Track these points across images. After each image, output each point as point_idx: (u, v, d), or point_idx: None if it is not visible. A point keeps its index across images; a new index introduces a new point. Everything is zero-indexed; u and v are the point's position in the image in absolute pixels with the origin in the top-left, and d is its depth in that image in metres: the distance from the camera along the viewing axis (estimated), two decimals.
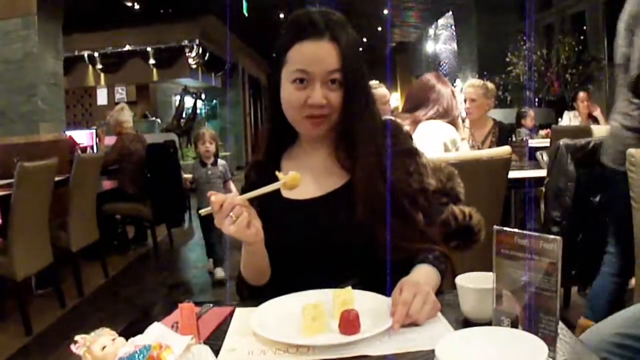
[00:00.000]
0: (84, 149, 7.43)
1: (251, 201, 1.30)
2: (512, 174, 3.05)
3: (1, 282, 4.15)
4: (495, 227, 1.05)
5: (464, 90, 4.32)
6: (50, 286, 4.52)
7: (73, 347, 0.90)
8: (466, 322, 1.17)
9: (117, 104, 10.87)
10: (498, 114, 6.95)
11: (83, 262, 4.93)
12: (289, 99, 1.43)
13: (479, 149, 4.09)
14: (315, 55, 1.40)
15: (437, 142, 2.86)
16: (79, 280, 4.66)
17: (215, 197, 1.25)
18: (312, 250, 1.43)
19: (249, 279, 1.46)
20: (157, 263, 6.18)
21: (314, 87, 1.40)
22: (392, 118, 1.67)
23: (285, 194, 1.46)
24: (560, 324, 1.01)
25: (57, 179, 4.34)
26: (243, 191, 1.53)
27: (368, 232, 1.39)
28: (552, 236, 0.97)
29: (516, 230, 1.02)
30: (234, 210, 1.24)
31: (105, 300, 4.70)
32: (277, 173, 1.31)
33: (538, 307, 1.00)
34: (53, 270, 4.33)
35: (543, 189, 3.02)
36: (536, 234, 0.99)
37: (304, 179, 1.38)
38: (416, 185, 1.47)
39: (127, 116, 6.18)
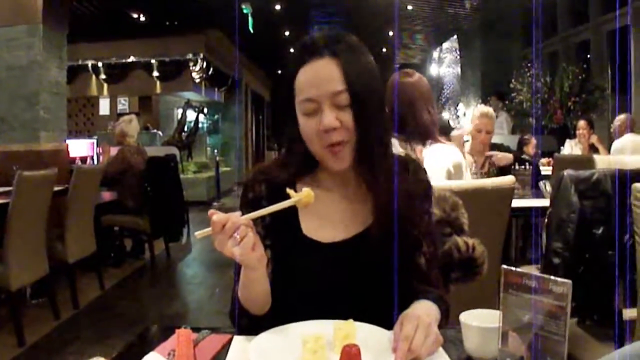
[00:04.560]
0: (83, 159, 7.41)
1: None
2: (515, 203, 3.03)
3: None
4: (504, 266, 1.03)
5: (479, 120, 4.24)
6: (45, 296, 4.48)
7: None
8: None
9: (119, 114, 10.92)
10: (500, 140, 6.95)
11: (79, 273, 4.89)
12: (304, 132, 1.33)
13: (482, 175, 4.08)
14: (316, 78, 1.30)
15: (441, 169, 2.84)
16: (74, 291, 4.62)
17: (217, 216, 1.14)
18: (334, 294, 1.33)
19: (246, 307, 1.32)
20: (153, 277, 6.16)
21: (323, 112, 1.29)
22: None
23: (308, 232, 1.38)
24: None
25: (55, 189, 4.32)
26: (245, 204, 1.42)
27: (390, 271, 1.31)
28: (561, 279, 0.95)
29: (525, 271, 1.00)
30: (238, 231, 1.14)
31: (100, 313, 4.66)
32: (288, 190, 1.23)
33: (545, 350, 0.97)
34: (48, 280, 4.29)
35: (545, 219, 3.00)
36: (545, 275, 0.97)
37: (328, 219, 1.35)
38: (424, 229, 1.40)
39: (133, 129, 6.16)
